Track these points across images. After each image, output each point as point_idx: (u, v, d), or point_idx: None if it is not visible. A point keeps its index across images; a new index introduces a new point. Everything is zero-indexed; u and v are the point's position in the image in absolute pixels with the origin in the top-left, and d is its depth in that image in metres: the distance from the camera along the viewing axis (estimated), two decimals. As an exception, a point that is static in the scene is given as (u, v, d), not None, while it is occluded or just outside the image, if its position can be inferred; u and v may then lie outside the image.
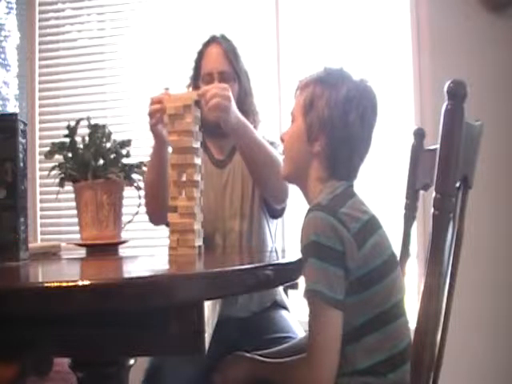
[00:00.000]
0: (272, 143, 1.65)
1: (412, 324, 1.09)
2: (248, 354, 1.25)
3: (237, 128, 1.46)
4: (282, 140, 1.24)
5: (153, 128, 1.47)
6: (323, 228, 1.04)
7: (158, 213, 1.61)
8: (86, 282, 0.77)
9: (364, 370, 1.06)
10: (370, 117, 1.15)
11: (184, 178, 1.27)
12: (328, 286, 1.02)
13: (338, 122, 1.12)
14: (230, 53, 1.71)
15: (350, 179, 1.18)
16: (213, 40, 1.74)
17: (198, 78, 1.73)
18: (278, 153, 1.57)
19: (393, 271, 1.11)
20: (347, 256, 1.04)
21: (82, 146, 1.52)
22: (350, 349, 1.06)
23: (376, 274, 1.07)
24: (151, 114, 1.42)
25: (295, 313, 1.79)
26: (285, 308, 1.75)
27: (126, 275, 1.09)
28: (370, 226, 1.09)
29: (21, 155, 1.21)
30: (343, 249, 1.04)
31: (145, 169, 1.59)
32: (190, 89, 1.76)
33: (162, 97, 1.36)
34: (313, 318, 1.05)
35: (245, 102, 1.71)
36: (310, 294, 1.04)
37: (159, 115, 1.40)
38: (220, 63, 1.69)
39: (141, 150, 1.90)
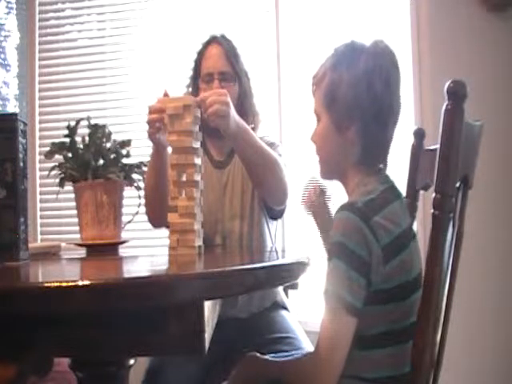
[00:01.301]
0: (272, 144, 1.65)
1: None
2: (259, 355, 1.22)
3: (236, 133, 1.45)
4: (314, 142, 1.17)
5: (151, 137, 1.46)
6: (352, 232, 1.01)
7: (158, 216, 1.61)
8: (86, 282, 0.77)
9: (368, 380, 1.05)
10: (395, 78, 1.10)
11: (184, 178, 1.27)
12: (350, 292, 0.99)
13: (365, 98, 1.06)
14: (231, 53, 1.71)
15: (385, 156, 1.13)
16: (213, 40, 1.73)
17: (198, 78, 1.73)
18: (277, 154, 1.57)
19: (415, 292, 1.07)
20: (372, 268, 1.01)
21: (82, 146, 1.52)
22: (360, 355, 1.04)
23: (397, 292, 1.04)
24: (150, 123, 1.42)
25: (295, 313, 1.79)
26: (285, 308, 1.75)
27: (126, 275, 1.09)
28: (401, 241, 1.05)
29: (21, 155, 1.21)
30: (369, 260, 1.00)
31: (145, 169, 1.59)
32: (190, 89, 1.76)
33: (160, 106, 1.35)
34: (328, 319, 1.02)
35: (245, 103, 1.71)
36: (331, 297, 1.01)
37: (158, 125, 1.40)
38: (220, 63, 1.69)
39: (141, 150, 1.90)
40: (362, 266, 1.00)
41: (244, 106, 1.69)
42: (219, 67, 1.69)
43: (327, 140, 1.13)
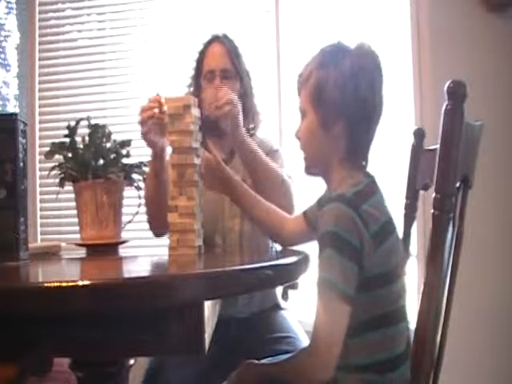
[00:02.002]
0: (275, 152, 1.65)
1: (412, 324, 1.09)
2: (257, 361, 1.21)
3: (243, 140, 1.45)
4: (298, 138, 1.19)
5: (145, 137, 1.46)
6: (344, 220, 1.03)
7: (160, 225, 1.60)
8: (86, 282, 0.77)
9: (363, 367, 1.06)
10: (379, 80, 1.12)
11: (184, 178, 1.27)
12: (343, 280, 1.01)
13: (351, 99, 1.09)
14: (232, 52, 1.71)
15: (367, 153, 1.15)
16: (215, 39, 1.74)
17: (200, 76, 1.73)
18: (280, 163, 1.56)
19: (402, 277, 1.10)
20: (364, 255, 1.02)
21: (82, 146, 1.52)
22: (352, 342, 1.05)
23: (387, 276, 1.06)
24: (142, 123, 1.42)
25: (295, 313, 1.79)
26: (284, 309, 1.75)
27: (126, 275, 1.09)
28: (387, 228, 1.08)
29: (21, 155, 1.21)
30: (361, 247, 1.02)
31: (145, 169, 1.59)
32: (191, 88, 1.76)
33: (151, 104, 1.35)
34: (323, 308, 1.03)
35: (246, 102, 1.71)
36: (325, 285, 1.02)
37: (151, 123, 1.40)
38: (222, 61, 1.69)
39: (141, 150, 1.90)
40: (354, 254, 1.02)
41: (245, 106, 1.69)
42: (221, 65, 1.69)
43: (313, 136, 1.15)
